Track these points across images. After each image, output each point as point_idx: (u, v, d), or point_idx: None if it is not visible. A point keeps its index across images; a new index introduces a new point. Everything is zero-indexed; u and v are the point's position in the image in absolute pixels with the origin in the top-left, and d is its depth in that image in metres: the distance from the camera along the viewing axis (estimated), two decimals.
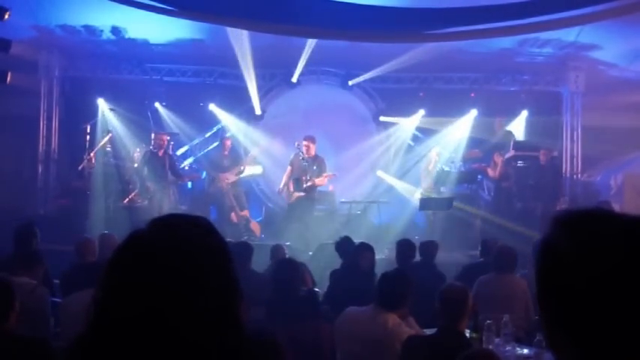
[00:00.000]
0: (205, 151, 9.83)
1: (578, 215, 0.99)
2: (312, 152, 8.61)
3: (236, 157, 9.31)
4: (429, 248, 6.14)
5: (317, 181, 8.62)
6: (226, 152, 9.18)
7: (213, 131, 9.90)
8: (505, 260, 4.83)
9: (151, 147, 8.96)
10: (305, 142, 8.61)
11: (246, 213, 9.01)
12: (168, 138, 9.25)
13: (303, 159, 8.58)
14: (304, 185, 8.56)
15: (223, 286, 1.10)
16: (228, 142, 9.25)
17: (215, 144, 9.74)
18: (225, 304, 1.09)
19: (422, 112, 9.90)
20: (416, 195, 9.43)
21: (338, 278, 5.36)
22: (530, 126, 9.97)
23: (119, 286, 1.08)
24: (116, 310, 1.06)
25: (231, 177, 8.99)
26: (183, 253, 1.09)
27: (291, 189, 8.74)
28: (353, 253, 5.37)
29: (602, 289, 0.91)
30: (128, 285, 1.07)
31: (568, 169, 9.82)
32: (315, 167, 8.61)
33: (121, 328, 1.04)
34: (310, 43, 8.60)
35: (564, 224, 0.98)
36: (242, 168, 9.15)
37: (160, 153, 8.83)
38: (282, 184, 8.78)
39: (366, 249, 5.34)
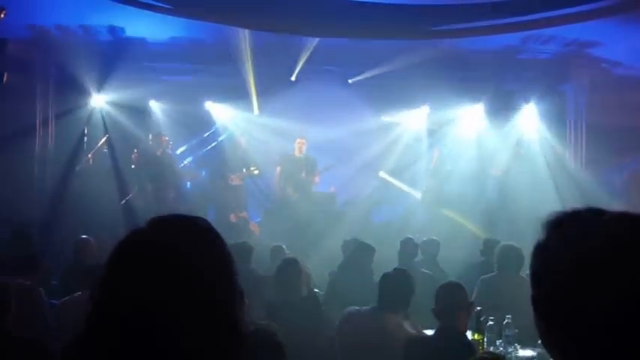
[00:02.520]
0: (210, 147, 9.82)
1: (566, 216, 1.00)
2: (304, 150, 8.72)
3: (247, 158, 9.27)
4: (431, 247, 6.13)
5: (316, 179, 8.69)
6: (240, 152, 9.17)
7: (211, 131, 9.88)
8: (508, 260, 4.80)
9: (150, 147, 8.92)
10: (300, 140, 8.67)
11: (245, 214, 8.99)
12: (167, 138, 9.23)
13: (307, 159, 8.66)
14: (303, 184, 8.60)
15: (222, 287, 1.09)
16: (243, 142, 9.24)
17: (213, 143, 9.73)
18: (224, 305, 1.07)
19: (425, 110, 9.87)
20: (417, 194, 9.41)
21: (338, 279, 5.33)
22: (535, 123, 9.94)
23: (117, 285, 1.06)
24: (113, 310, 1.04)
25: (236, 179, 8.99)
26: (181, 254, 1.07)
27: (290, 190, 8.74)
28: (354, 254, 5.35)
29: (590, 288, 0.91)
30: (125, 285, 1.05)
31: (572, 166, 9.78)
32: (308, 165, 8.69)
33: (118, 328, 1.02)
34: (310, 41, 8.57)
35: (553, 225, 1.00)
36: (252, 171, 9.13)
37: (159, 153, 8.80)
38: (278, 188, 8.81)
39: (367, 249, 5.32)
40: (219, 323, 1.06)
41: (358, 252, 5.31)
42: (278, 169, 8.87)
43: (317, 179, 8.88)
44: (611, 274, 0.91)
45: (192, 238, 1.10)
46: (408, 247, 5.59)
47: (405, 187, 9.79)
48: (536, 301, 1.01)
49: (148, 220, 1.12)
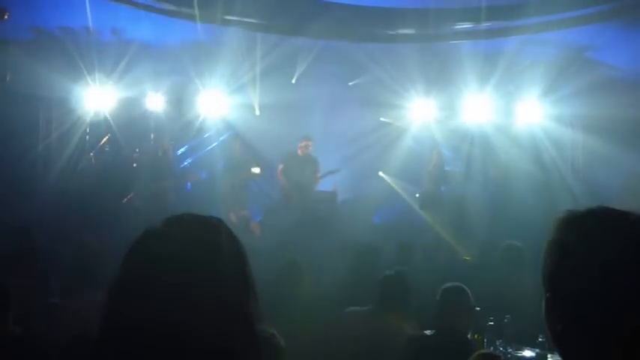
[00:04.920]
0: (210, 148, 9.85)
1: (583, 215, 1.00)
2: (310, 152, 8.73)
3: (247, 160, 9.28)
4: (430, 249, 6.14)
5: (317, 181, 8.71)
6: (238, 154, 9.19)
7: (212, 132, 9.91)
8: (509, 259, 4.80)
9: (151, 147, 8.95)
10: (305, 142, 8.69)
11: (246, 213, 8.99)
12: (168, 138, 9.25)
13: (310, 159, 8.68)
14: (304, 183, 8.62)
15: (236, 285, 1.10)
16: (244, 142, 9.27)
17: (214, 144, 9.76)
18: (238, 303, 1.08)
19: (426, 109, 9.85)
20: (417, 195, 9.42)
21: (341, 280, 5.33)
22: (532, 126, 9.95)
23: (132, 283, 1.07)
24: (128, 307, 1.05)
25: (236, 179, 9.01)
26: (197, 252, 1.08)
27: (291, 189, 8.76)
28: (357, 255, 5.35)
29: (611, 284, 0.91)
30: (141, 282, 1.06)
31: (569, 170, 9.80)
32: (310, 166, 8.71)
33: (134, 326, 1.03)
34: (310, 43, 8.59)
35: (570, 223, 1.00)
36: (252, 171, 9.15)
37: (160, 153, 8.82)
38: (283, 187, 8.82)
39: (371, 250, 5.33)
40: (235, 321, 1.07)
41: (365, 256, 5.31)
42: (280, 166, 8.90)
43: (318, 181, 8.90)
44: (632, 272, 0.90)
45: (206, 237, 1.12)
46: (404, 249, 5.60)
47: (404, 189, 9.80)
48: (553, 301, 0.99)
49: (163, 220, 1.13)
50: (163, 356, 1.02)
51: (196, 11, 7.17)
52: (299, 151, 8.85)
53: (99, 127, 9.33)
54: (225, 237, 1.14)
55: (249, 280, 1.12)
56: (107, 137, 9.23)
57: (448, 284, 3.67)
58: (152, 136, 9.15)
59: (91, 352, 1.07)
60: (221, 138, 9.90)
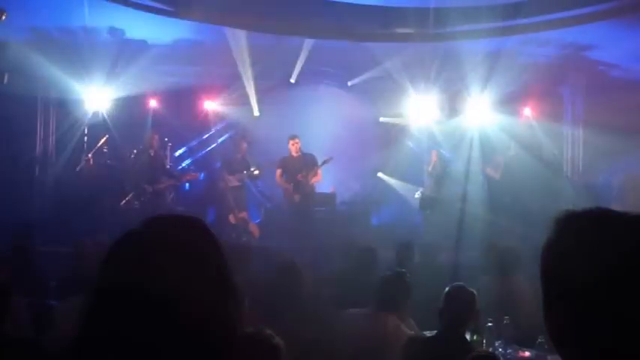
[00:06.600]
0: (209, 148, 9.85)
1: (580, 215, 0.99)
2: (299, 149, 8.71)
3: (248, 162, 9.24)
4: (429, 249, 6.13)
5: (316, 177, 8.69)
6: (240, 155, 9.16)
7: (211, 132, 9.91)
8: (507, 261, 4.81)
9: (147, 148, 8.94)
10: (291, 141, 8.67)
11: (244, 214, 8.98)
12: (166, 139, 9.24)
13: (305, 157, 8.67)
14: (303, 183, 8.60)
15: (215, 286, 1.07)
16: (244, 146, 9.23)
17: (213, 145, 9.76)
18: (216, 304, 1.06)
19: (425, 110, 9.83)
20: (416, 195, 9.42)
21: (340, 280, 5.33)
22: (531, 126, 9.96)
23: (110, 284, 1.05)
24: (105, 309, 1.03)
25: (234, 180, 8.98)
26: (175, 253, 1.06)
27: (291, 190, 8.75)
28: (355, 256, 5.35)
29: (609, 287, 0.90)
30: (118, 283, 1.04)
31: (569, 169, 9.81)
32: (307, 164, 8.69)
33: (110, 327, 1.01)
34: (309, 43, 8.59)
35: (567, 224, 0.98)
36: (252, 172, 9.12)
37: (152, 153, 8.80)
38: (286, 190, 8.80)
39: (369, 252, 5.33)
40: (213, 322, 1.05)
41: (363, 257, 5.31)
42: (278, 172, 8.87)
43: (319, 175, 8.85)
44: (629, 274, 0.89)
45: (184, 237, 1.09)
46: (404, 250, 5.59)
47: (403, 189, 9.81)
48: (552, 302, 0.97)
49: (142, 220, 1.11)
50: (137, 357, 1.00)
51: (194, 11, 7.17)
52: (292, 152, 8.83)
53: (97, 127, 9.33)
54: (204, 237, 1.11)
55: (228, 280, 1.09)
56: (105, 138, 9.22)
57: (457, 285, 3.61)
58: (147, 136, 9.16)
59: (68, 348, 1.05)
60: (220, 139, 9.90)
